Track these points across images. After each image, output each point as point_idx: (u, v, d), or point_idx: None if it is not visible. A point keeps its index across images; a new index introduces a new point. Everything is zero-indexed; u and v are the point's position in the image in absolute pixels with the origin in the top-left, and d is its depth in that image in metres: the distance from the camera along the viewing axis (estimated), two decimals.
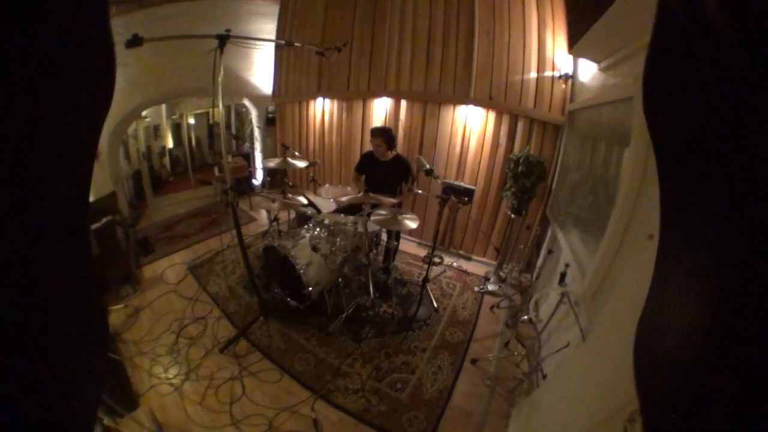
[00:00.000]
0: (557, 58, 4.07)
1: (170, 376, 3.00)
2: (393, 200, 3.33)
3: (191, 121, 7.05)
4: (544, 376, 2.64)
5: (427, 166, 3.30)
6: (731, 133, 0.60)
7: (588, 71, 3.68)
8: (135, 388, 2.89)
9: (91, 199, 4.21)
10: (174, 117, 6.74)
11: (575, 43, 3.45)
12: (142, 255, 4.66)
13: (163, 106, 6.44)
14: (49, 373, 0.73)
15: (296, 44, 4.00)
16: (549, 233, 4.41)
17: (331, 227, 3.68)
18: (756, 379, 0.58)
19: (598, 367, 2.00)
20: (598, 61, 3.35)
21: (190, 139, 6.97)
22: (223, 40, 2.87)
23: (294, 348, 3.40)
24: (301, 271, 3.42)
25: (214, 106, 3.00)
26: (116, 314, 3.64)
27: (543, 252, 4.48)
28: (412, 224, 3.41)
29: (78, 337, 0.89)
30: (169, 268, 4.51)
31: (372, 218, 3.41)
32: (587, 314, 2.37)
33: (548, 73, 4.14)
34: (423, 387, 3.12)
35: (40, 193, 0.71)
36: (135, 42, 2.45)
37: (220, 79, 2.88)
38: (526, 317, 3.83)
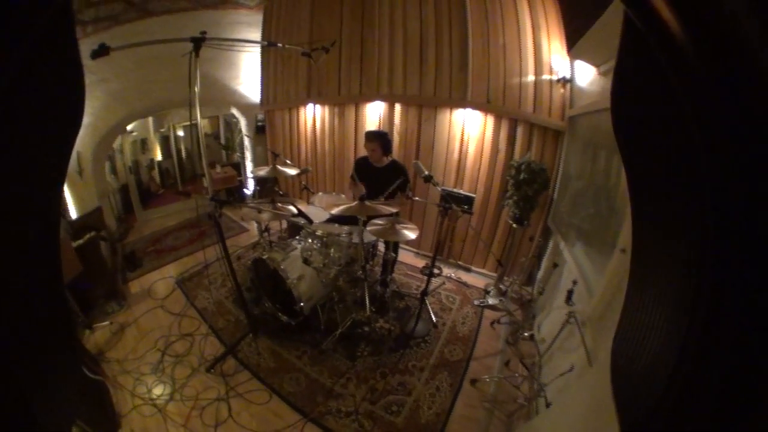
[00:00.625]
0: (554, 62, 4.00)
1: (154, 396, 2.91)
2: (391, 209, 3.21)
3: (180, 133, 6.99)
4: (548, 405, 2.53)
5: (426, 172, 3.20)
6: (698, 149, 0.61)
7: (587, 75, 3.62)
8: (117, 408, 2.80)
9: (76, 215, 4.23)
10: (162, 130, 6.71)
11: (573, 44, 3.40)
12: (129, 270, 4.58)
13: (150, 120, 6.39)
14: (16, 397, 0.73)
15: (279, 45, 3.94)
16: (551, 245, 4.33)
17: (324, 239, 3.57)
18: (729, 397, 0.60)
19: (605, 397, 1.88)
20: (597, 65, 3.29)
21: (179, 150, 6.91)
22: (198, 42, 2.81)
23: (284, 367, 3.29)
24: (292, 286, 3.33)
25: (191, 112, 2.92)
26: (101, 332, 3.56)
27: (544, 264, 4.41)
28: (411, 235, 3.32)
29: (47, 360, 0.90)
30: (156, 282, 4.42)
31: (369, 228, 3.31)
32: (593, 337, 2.29)
33: (546, 77, 4.07)
34: (420, 410, 3.01)
35: (8, 214, 0.72)
36: (101, 52, 2.40)
37: (197, 85, 2.83)
38: (527, 334, 3.76)
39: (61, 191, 0.92)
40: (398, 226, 3.33)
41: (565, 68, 3.94)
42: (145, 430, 2.68)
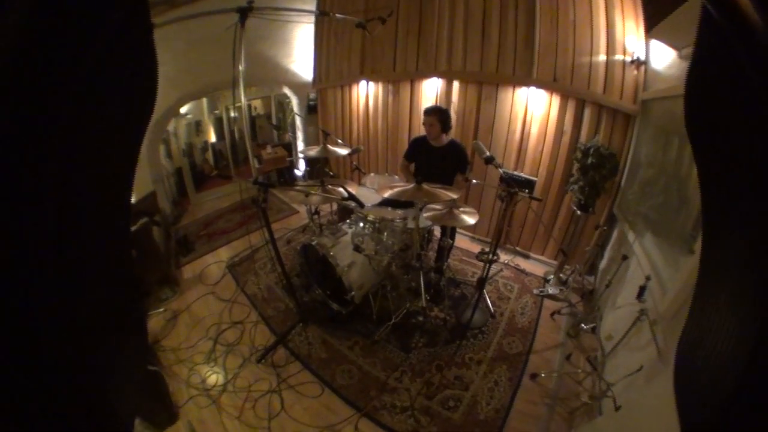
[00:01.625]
0: (628, 42, 3.64)
1: (208, 387, 2.89)
2: (451, 194, 2.96)
3: (233, 114, 6.98)
4: (618, 408, 2.32)
5: (487, 153, 2.93)
6: None
7: (664, 58, 3.30)
8: (174, 399, 2.80)
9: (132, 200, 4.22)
10: (216, 111, 6.69)
11: (655, 24, 3.08)
12: (181, 254, 4.62)
13: (204, 101, 6.38)
14: (86, 387, 0.74)
15: (333, 14, 3.69)
16: (615, 234, 4.06)
17: (377, 224, 3.41)
18: None
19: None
20: (679, 48, 2.99)
21: (232, 132, 6.90)
22: (244, 12, 2.66)
23: (336, 358, 3.21)
24: (343, 274, 3.21)
25: (234, 90, 2.79)
26: (155, 319, 3.59)
27: (607, 254, 4.16)
28: (471, 220, 3.11)
29: (117, 349, 0.91)
30: (208, 267, 4.44)
31: (425, 213, 3.12)
32: (665, 337, 2.16)
33: (618, 57, 3.71)
34: (478, 405, 2.87)
35: (82, 202, 0.73)
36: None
37: (242, 61, 2.67)
38: (588, 326, 3.53)
39: (134, 173, 0.94)
40: (456, 211, 3.13)
41: (639, 49, 3.59)
42: (201, 422, 2.67)
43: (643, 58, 3.56)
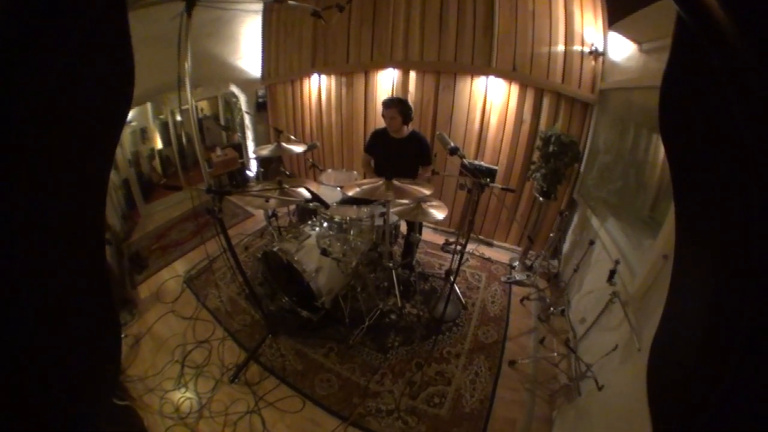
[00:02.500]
0: (586, 33, 3.73)
1: (183, 416, 2.67)
2: (423, 190, 2.84)
3: (178, 118, 6.53)
4: (600, 388, 2.37)
5: (452, 144, 2.85)
6: (750, 158, 0.59)
7: (623, 50, 3.42)
8: None
9: None
10: (161, 116, 6.21)
11: (619, 19, 3.20)
12: (136, 272, 4.26)
13: (149, 106, 5.90)
14: (58, 373, 0.73)
15: (286, 1, 3.45)
16: (576, 218, 4.19)
17: (343, 224, 3.27)
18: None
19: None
20: (640, 42, 3.09)
21: (179, 136, 6.45)
22: (191, 2, 2.46)
23: (312, 368, 3.06)
24: (310, 280, 3.05)
25: (180, 88, 2.55)
26: None
27: (569, 238, 4.29)
28: (440, 215, 3.06)
29: (91, 336, 0.90)
30: (165, 283, 4.12)
31: (392, 209, 3.03)
32: (636, 317, 2.25)
33: (577, 48, 3.80)
34: (462, 399, 2.87)
35: (57, 196, 0.72)
36: None
37: (188, 57, 2.43)
38: (558, 310, 3.67)
39: (110, 168, 0.95)
40: (425, 205, 3.07)
41: (598, 40, 3.70)
42: None
43: (601, 49, 3.66)
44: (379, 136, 3.66)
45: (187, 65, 2.54)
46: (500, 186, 2.88)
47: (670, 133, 0.86)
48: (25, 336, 0.64)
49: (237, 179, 6.31)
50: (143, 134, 5.95)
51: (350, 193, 2.80)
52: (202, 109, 6.75)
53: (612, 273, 2.60)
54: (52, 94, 0.61)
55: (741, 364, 0.60)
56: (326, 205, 2.61)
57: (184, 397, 2.80)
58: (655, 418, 0.84)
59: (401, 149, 3.52)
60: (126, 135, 5.66)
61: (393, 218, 3.34)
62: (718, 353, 0.65)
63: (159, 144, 6.30)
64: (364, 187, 2.82)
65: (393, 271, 3.33)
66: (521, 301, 3.90)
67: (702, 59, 0.66)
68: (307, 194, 2.64)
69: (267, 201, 3.01)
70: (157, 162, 6.28)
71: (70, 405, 0.76)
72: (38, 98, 0.59)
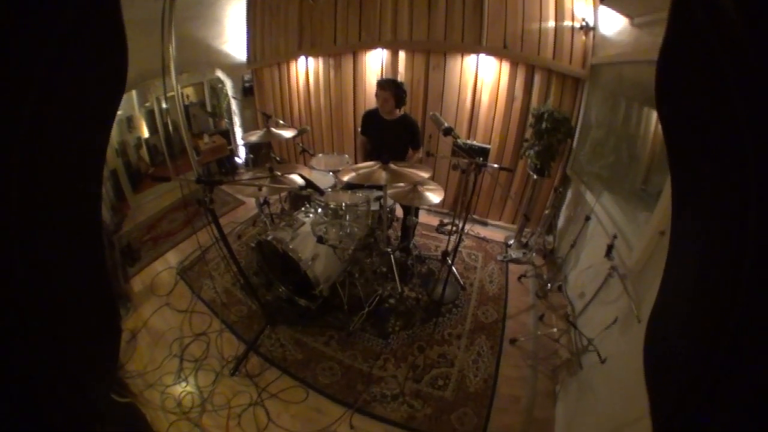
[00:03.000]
0: (576, 8, 3.67)
1: (186, 410, 2.62)
2: (422, 173, 2.79)
3: (164, 105, 6.32)
4: (603, 361, 2.39)
5: (446, 125, 2.78)
6: (746, 130, 0.58)
7: (614, 24, 3.36)
8: (155, 428, 2.53)
9: None
10: (147, 104, 5.99)
11: None
12: (128, 265, 4.15)
13: (134, 94, 5.68)
14: (60, 364, 0.73)
15: None
16: (570, 194, 4.16)
17: (339, 211, 3.18)
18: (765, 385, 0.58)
19: None
20: (632, 16, 3.04)
21: (166, 124, 6.25)
22: None
23: (313, 357, 3.03)
24: (307, 269, 2.99)
25: (164, 72, 2.44)
26: None
27: (563, 213, 4.27)
28: (436, 198, 3.03)
29: (91, 327, 0.90)
30: (158, 275, 4.02)
31: (389, 185, 2.97)
32: (635, 290, 2.25)
33: (567, 23, 3.74)
34: (466, 379, 2.87)
35: (52, 189, 0.72)
36: None
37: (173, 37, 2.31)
38: (555, 285, 3.69)
39: (104, 158, 0.92)
40: (421, 188, 3.02)
41: (588, 15, 3.64)
42: None
43: (592, 24, 3.60)
44: (371, 116, 3.61)
45: (172, 50, 2.41)
46: (498, 166, 2.81)
47: (667, 107, 0.86)
48: (23, 331, 0.63)
49: (226, 166, 6.17)
50: (129, 123, 5.76)
51: (346, 179, 2.73)
52: (187, 96, 6.55)
53: (610, 248, 2.62)
54: (46, 72, 0.59)
55: (737, 337, 0.61)
56: (321, 192, 2.54)
57: (185, 391, 2.75)
58: (652, 392, 0.85)
59: (392, 131, 3.48)
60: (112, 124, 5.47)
61: (389, 202, 3.28)
62: (714, 326, 0.65)
63: (146, 133, 6.11)
64: (360, 171, 2.76)
65: (391, 255, 3.29)
66: (519, 278, 3.89)
67: (699, 33, 0.66)
68: (301, 181, 2.57)
69: (260, 189, 2.92)
70: (144, 151, 6.10)
71: (70, 401, 0.76)
72: (32, 76, 0.58)
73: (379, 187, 3.16)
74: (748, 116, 0.58)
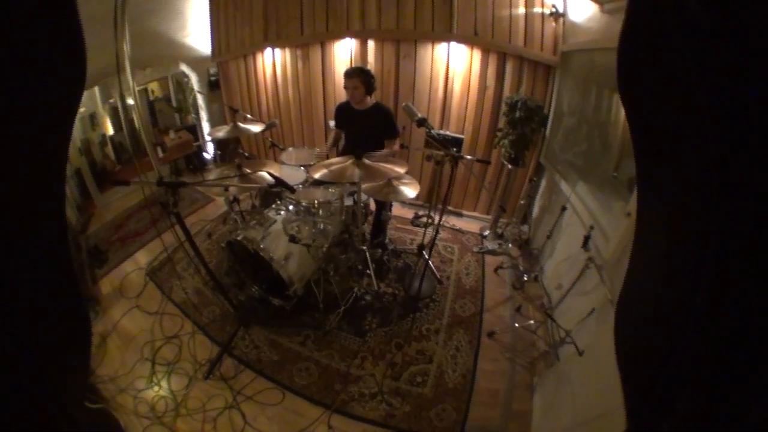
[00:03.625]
0: None
1: (159, 415, 2.55)
2: (397, 168, 2.72)
3: (130, 101, 6.07)
4: (581, 353, 2.37)
5: (419, 115, 2.70)
6: (706, 110, 0.59)
7: (583, 11, 3.33)
8: None
9: None
10: (111, 101, 5.73)
11: None
12: (96, 267, 3.99)
13: (96, 90, 5.42)
14: (31, 368, 0.71)
15: None
16: (543, 183, 4.19)
17: (312, 208, 3.11)
18: (730, 365, 0.60)
19: None
20: (602, 2, 3.03)
21: (131, 121, 6.02)
22: None
23: (289, 358, 2.97)
24: (280, 268, 2.92)
25: (118, 67, 2.31)
26: None
27: (537, 203, 4.29)
28: (412, 192, 2.99)
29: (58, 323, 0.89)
30: (127, 276, 3.88)
31: (363, 183, 2.90)
32: (611, 280, 2.26)
33: (537, 10, 3.71)
34: (444, 375, 2.87)
35: (11, 192, 0.70)
36: None
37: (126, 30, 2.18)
38: (531, 276, 3.70)
39: (65, 160, 0.89)
40: (396, 183, 2.97)
41: (557, 1, 3.62)
42: None
43: (561, 10, 3.58)
44: (343, 109, 3.53)
45: (126, 48, 2.27)
46: (474, 158, 2.76)
47: (628, 90, 0.86)
48: None
49: (194, 163, 5.98)
50: (92, 120, 5.52)
51: (317, 176, 2.65)
52: (152, 91, 6.33)
53: (586, 239, 2.63)
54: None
55: (703, 315, 0.61)
56: (291, 189, 2.44)
57: (158, 395, 2.68)
58: (623, 377, 0.86)
59: (366, 121, 3.40)
60: (75, 122, 5.22)
61: (363, 197, 3.21)
62: (681, 304, 0.66)
63: (110, 130, 5.87)
64: (333, 167, 2.67)
65: (366, 251, 3.23)
66: (495, 270, 3.90)
67: (658, 16, 0.66)
68: (270, 179, 2.48)
69: (226, 190, 2.82)
70: (109, 148, 5.87)
71: (42, 410, 0.75)
72: None
73: (353, 182, 3.08)
74: (707, 95, 0.58)
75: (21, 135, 0.70)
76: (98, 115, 5.64)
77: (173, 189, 2.21)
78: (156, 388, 2.73)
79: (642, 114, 0.85)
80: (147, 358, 2.96)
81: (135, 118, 2.80)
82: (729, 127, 0.56)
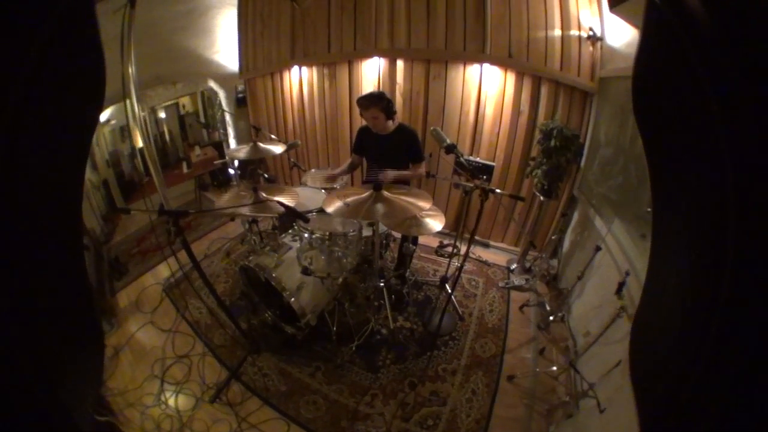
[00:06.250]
0: (582, 17, 3.59)
1: None
2: (420, 203, 2.57)
3: (162, 114, 6.37)
4: (602, 410, 2.33)
5: (448, 141, 2.65)
6: (721, 129, 0.60)
7: (622, 35, 3.28)
8: None
9: None
10: (142, 113, 6.04)
11: (621, 1, 2.98)
12: (115, 279, 4.18)
13: (127, 103, 5.73)
14: (41, 376, 0.74)
15: None
16: (576, 216, 4.08)
17: (327, 240, 3.02)
18: (745, 384, 0.60)
19: None
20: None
21: (162, 134, 6.31)
22: None
23: (297, 389, 2.99)
24: (291, 299, 2.94)
25: (125, 82, 2.41)
26: None
27: (569, 237, 4.18)
28: (437, 225, 2.96)
29: (73, 339, 0.93)
30: (144, 290, 4.05)
31: (382, 222, 2.91)
32: None
33: (574, 33, 3.65)
34: (458, 419, 2.80)
35: (34, 197, 0.74)
36: None
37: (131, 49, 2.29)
38: (558, 316, 3.61)
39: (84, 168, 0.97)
40: (420, 215, 2.93)
41: (595, 24, 3.55)
42: None
43: (599, 34, 3.51)
44: (365, 133, 3.51)
45: (131, 70, 2.37)
46: (507, 194, 2.73)
47: (643, 113, 0.92)
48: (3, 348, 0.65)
49: (219, 178, 6.18)
50: (123, 132, 5.81)
51: (331, 210, 2.52)
52: (183, 106, 6.63)
53: (621, 285, 2.54)
54: (23, 90, 0.61)
55: (718, 341, 0.63)
56: (305, 219, 2.47)
57: (164, 414, 2.77)
58: (639, 399, 0.89)
59: (388, 146, 3.37)
60: (105, 134, 5.51)
61: (383, 229, 3.23)
62: (697, 323, 0.68)
63: (140, 142, 6.16)
64: (349, 200, 2.56)
65: (384, 287, 3.25)
66: (520, 308, 3.83)
67: (672, 40, 0.69)
68: (281, 209, 2.47)
69: (232, 220, 2.85)
70: (139, 161, 6.16)
71: (52, 421, 0.78)
72: (9, 95, 0.60)
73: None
74: (722, 114, 0.60)
75: (40, 148, 0.74)
76: (129, 128, 5.93)
77: (175, 219, 2.20)
78: (163, 407, 2.82)
79: (658, 135, 0.89)
80: (156, 375, 3.07)
81: (138, 133, 2.90)
82: (745, 146, 0.58)
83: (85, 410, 1.00)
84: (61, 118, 0.79)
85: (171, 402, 2.86)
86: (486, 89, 4.16)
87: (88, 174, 5.02)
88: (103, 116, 5.27)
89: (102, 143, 5.43)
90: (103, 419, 2.52)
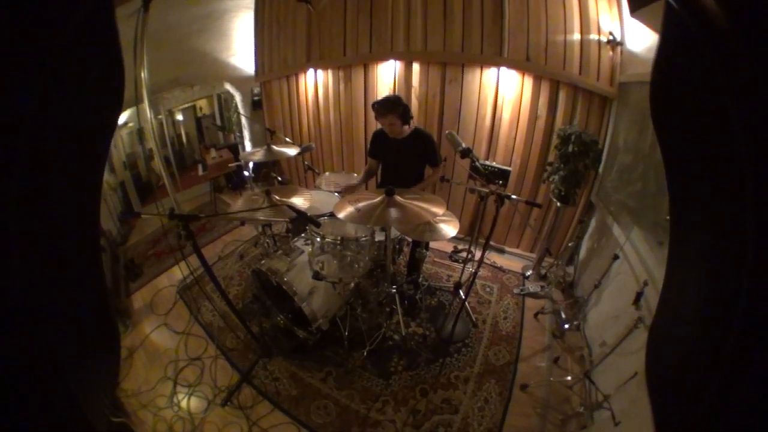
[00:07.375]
0: (602, 21, 3.56)
1: None
2: (434, 208, 2.54)
3: (179, 117, 6.51)
4: (617, 423, 2.33)
5: (463, 145, 2.69)
6: (742, 140, 0.60)
7: (642, 40, 3.25)
8: None
9: None
10: (159, 116, 6.19)
11: (643, 5, 2.96)
12: (130, 280, 4.28)
13: (146, 105, 5.88)
14: (58, 378, 0.75)
15: None
16: (593, 223, 4.05)
17: (338, 245, 3.04)
18: (764, 398, 0.60)
19: None
20: None
21: (180, 136, 6.46)
22: None
23: (308, 393, 3.03)
24: (303, 304, 2.97)
25: (137, 85, 2.47)
26: None
27: (585, 244, 4.15)
28: (451, 231, 2.98)
29: (88, 342, 0.95)
30: (159, 292, 4.14)
31: (395, 228, 2.92)
32: None
33: (593, 37, 3.63)
34: (469, 428, 2.81)
35: (51, 197, 0.76)
36: None
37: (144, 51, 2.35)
38: (573, 325, 3.58)
39: (102, 171, 1.00)
40: (434, 220, 2.94)
41: (615, 29, 3.53)
42: None
43: (619, 38, 3.49)
44: (381, 137, 3.48)
45: (144, 74, 2.45)
46: (524, 200, 2.74)
47: (661, 122, 0.91)
48: (22, 349, 0.66)
49: (234, 180, 6.28)
50: (140, 135, 5.95)
51: (342, 216, 2.54)
52: (200, 108, 6.76)
53: (639, 295, 2.52)
54: (43, 95, 0.63)
55: (736, 353, 0.62)
56: (317, 224, 2.50)
57: (176, 416, 2.84)
58: (656, 413, 0.88)
59: (404, 150, 3.37)
60: (123, 136, 5.67)
61: (395, 233, 3.25)
62: (715, 333, 0.68)
63: (153, 145, 6.32)
64: (360, 205, 2.57)
65: (397, 295, 3.27)
66: (535, 315, 3.81)
67: (691, 47, 0.69)
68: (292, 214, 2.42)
69: (242, 224, 2.90)
70: (156, 163, 6.30)
71: (68, 421, 0.79)
72: (29, 99, 0.61)
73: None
74: (743, 126, 0.60)
75: (60, 151, 0.76)
76: (146, 130, 6.07)
77: (185, 223, 2.23)
78: (175, 409, 2.89)
79: (676, 143, 0.88)
80: (169, 377, 3.14)
81: (151, 137, 2.98)
82: (765, 156, 0.58)
83: (100, 411, 1.01)
84: (80, 122, 0.81)
85: (183, 404, 2.93)
86: (503, 93, 4.15)
87: (106, 176, 5.14)
88: (121, 119, 5.41)
89: (119, 145, 5.58)
90: (117, 420, 2.57)
